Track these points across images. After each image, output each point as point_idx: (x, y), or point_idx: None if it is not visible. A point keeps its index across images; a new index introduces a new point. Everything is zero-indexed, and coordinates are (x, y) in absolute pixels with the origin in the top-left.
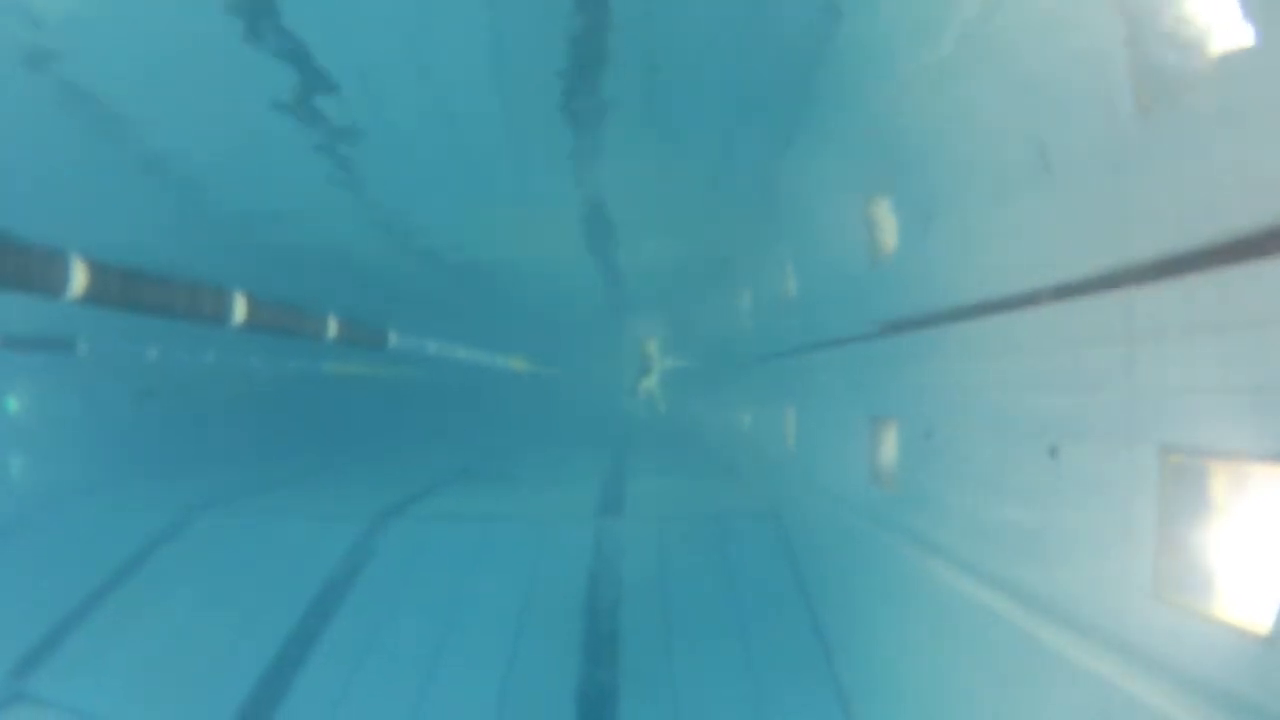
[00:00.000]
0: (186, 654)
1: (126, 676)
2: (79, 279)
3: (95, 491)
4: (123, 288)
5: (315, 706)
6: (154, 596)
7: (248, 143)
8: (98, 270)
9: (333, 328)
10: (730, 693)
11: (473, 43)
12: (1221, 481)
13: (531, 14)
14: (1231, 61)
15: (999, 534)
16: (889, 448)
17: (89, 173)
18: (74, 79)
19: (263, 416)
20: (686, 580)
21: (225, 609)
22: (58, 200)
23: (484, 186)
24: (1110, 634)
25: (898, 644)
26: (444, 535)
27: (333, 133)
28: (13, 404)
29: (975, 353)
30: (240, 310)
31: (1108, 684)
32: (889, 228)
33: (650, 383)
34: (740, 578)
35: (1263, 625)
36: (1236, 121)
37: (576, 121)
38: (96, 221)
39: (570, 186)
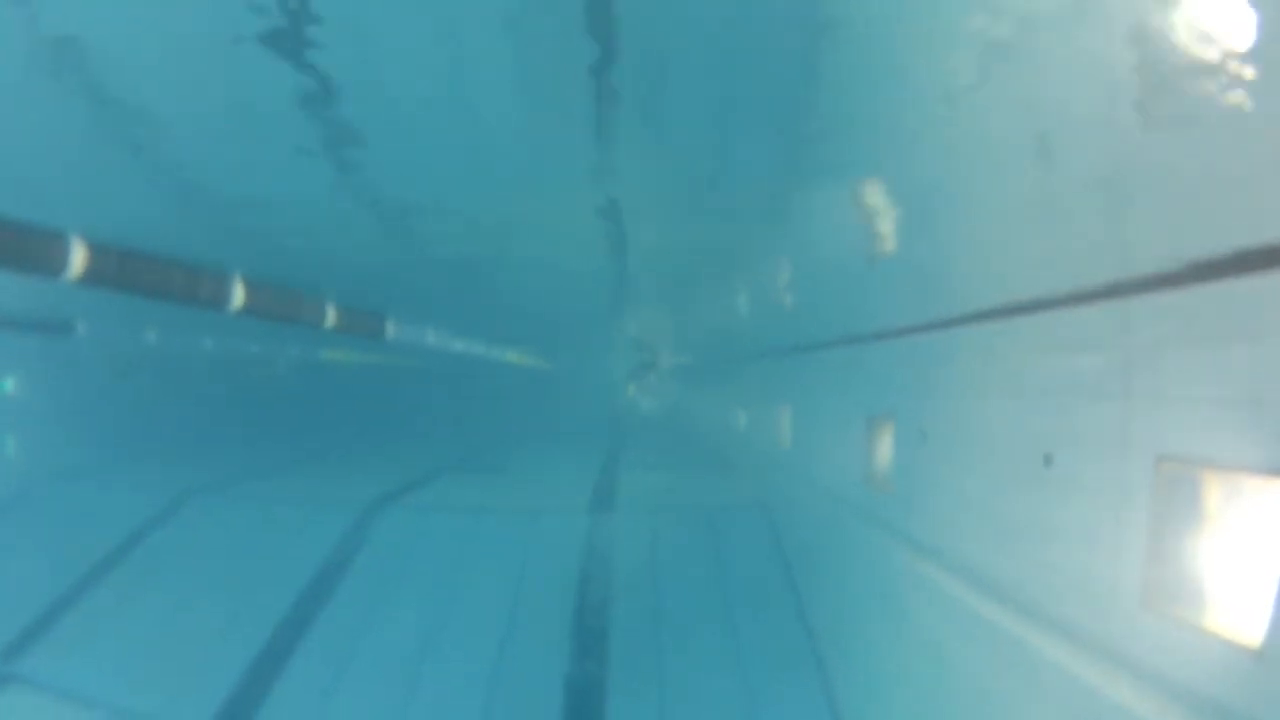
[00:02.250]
0: (178, 638)
1: (119, 660)
2: (78, 260)
3: (88, 475)
4: (121, 270)
5: (306, 693)
6: (146, 580)
7: (248, 125)
8: (97, 251)
9: (331, 316)
10: (719, 687)
11: (488, 28)
12: (1215, 492)
13: (545, 8)
14: (1236, 76)
15: (991, 538)
16: (884, 449)
17: (81, 155)
18: (75, 61)
19: (257, 402)
20: (677, 575)
21: (217, 594)
22: (50, 185)
23: (493, 179)
24: (1098, 641)
25: (886, 644)
26: (436, 525)
27: (338, 117)
28: (9, 385)
29: (973, 358)
30: (239, 295)
31: (1095, 690)
32: (889, 230)
33: (651, 379)
34: (732, 573)
35: (1254, 637)
36: (1239, 135)
37: (589, 116)
38: (87, 207)
39: (579, 182)
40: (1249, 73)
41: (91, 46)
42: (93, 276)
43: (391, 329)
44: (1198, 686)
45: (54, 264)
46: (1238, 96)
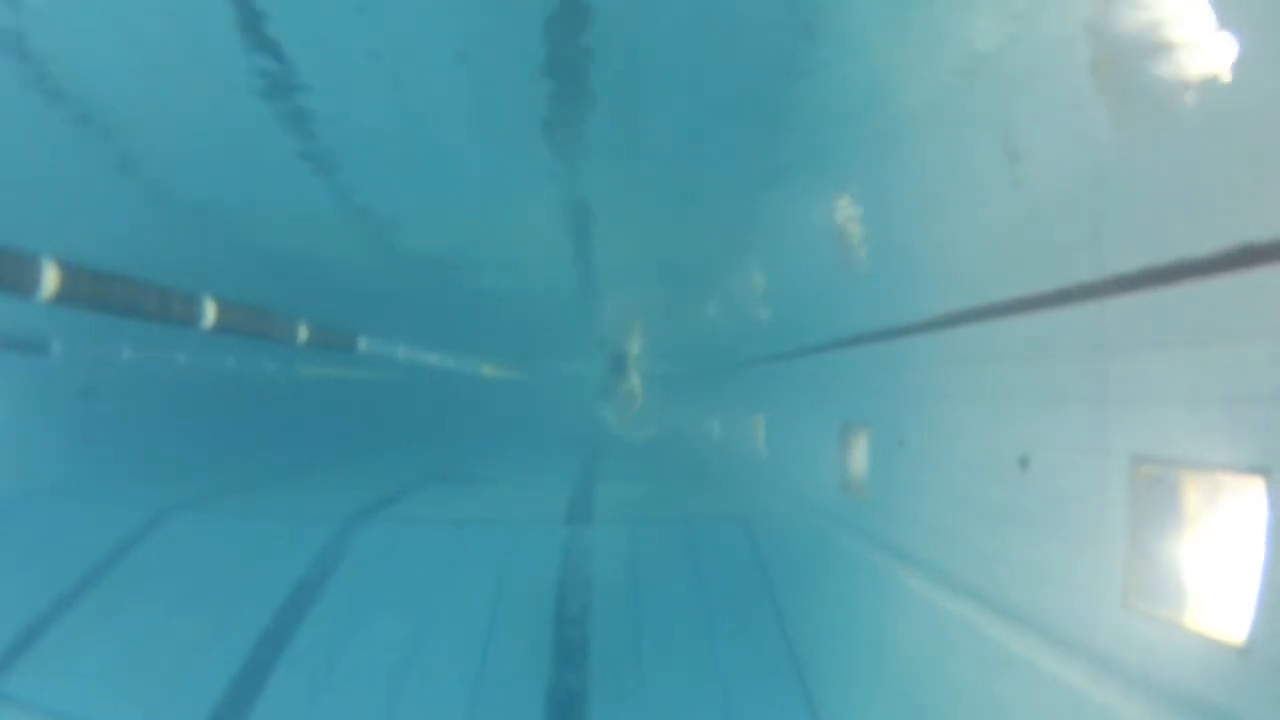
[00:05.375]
0: (159, 655)
1: (99, 677)
2: (50, 280)
3: (68, 492)
4: (93, 289)
5: (287, 708)
6: (127, 597)
7: (217, 138)
8: (69, 272)
9: (303, 332)
10: (699, 697)
11: (448, 40)
12: (1193, 492)
13: (507, 14)
14: (1210, 75)
15: (969, 542)
16: (860, 455)
17: (54, 162)
18: (46, 65)
19: (236, 418)
20: (656, 585)
21: (198, 610)
22: (26, 197)
23: (460, 188)
24: (1079, 643)
25: (867, 650)
26: (415, 538)
27: (307, 129)
28: None
29: (948, 362)
30: (210, 313)
31: (1077, 692)
32: (861, 238)
33: (631, 386)
34: (710, 583)
35: (1236, 635)
36: (1214, 136)
37: (555, 125)
38: (62, 207)
39: (547, 190)
40: (1219, 74)
41: (61, 53)
42: (65, 297)
43: (363, 344)
44: (1182, 685)
45: (26, 284)
46: (1209, 97)
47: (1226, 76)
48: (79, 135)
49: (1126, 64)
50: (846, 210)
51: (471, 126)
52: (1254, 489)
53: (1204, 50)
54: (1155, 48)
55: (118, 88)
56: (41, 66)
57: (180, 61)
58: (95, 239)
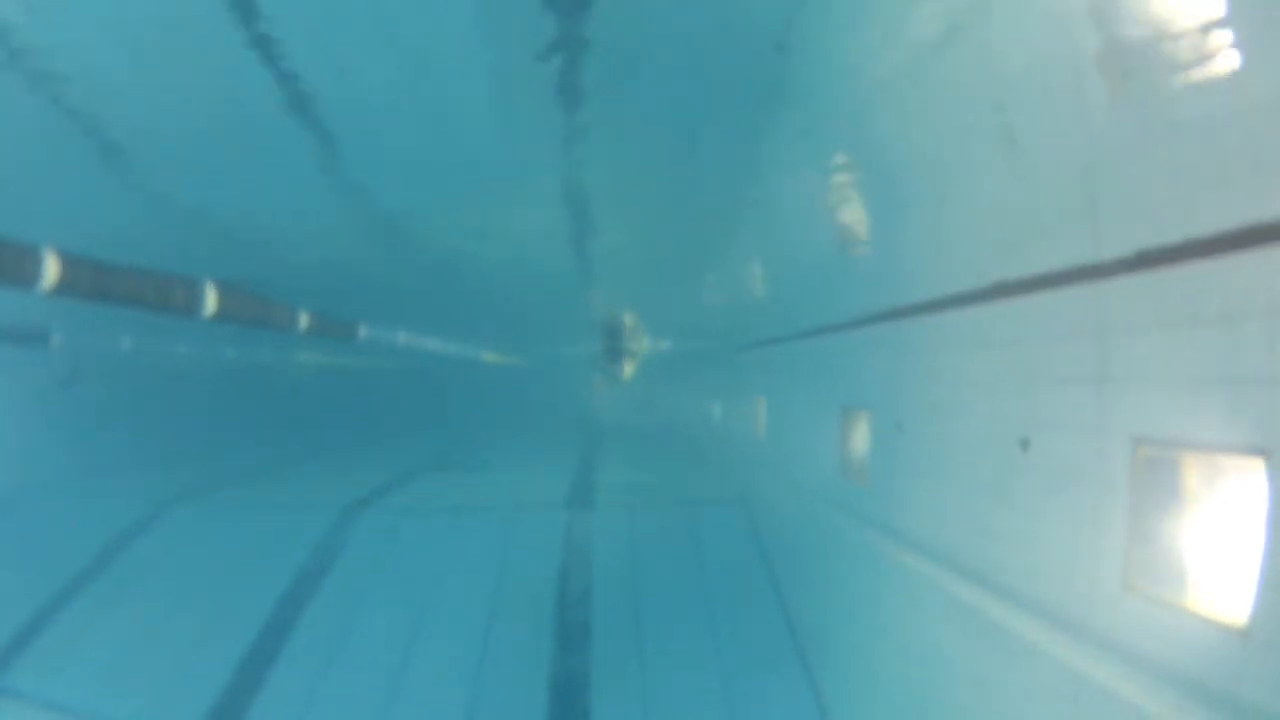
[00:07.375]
0: (161, 647)
1: (102, 670)
2: (51, 271)
3: (67, 485)
4: (94, 279)
5: (290, 697)
6: (128, 590)
7: (221, 126)
8: (69, 262)
9: (303, 320)
10: (700, 679)
11: (454, 23)
12: (1193, 474)
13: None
14: (1207, 58)
15: (969, 525)
16: (860, 439)
17: (52, 151)
18: (42, 60)
19: (234, 407)
20: (657, 570)
21: (199, 602)
22: (22, 193)
23: (461, 172)
24: (1080, 624)
25: (869, 633)
26: (415, 526)
27: (310, 115)
28: None
29: (947, 345)
30: (211, 302)
31: (1077, 673)
32: (859, 221)
33: (628, 366)
34: (711, 567)
35: (1237, 617)
36: (1210, 118)
37: (555, 108)
38: (60, 203)
39: (547, 173)
40: (1217, 55)
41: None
42: (66, 287)
43: (364, 331)
44: (1182, 667)
45: (27, 275)
46: (1208, 79)
47: (1225, 57)
48: (70, 127)
49: (1124, 44)
50: (844, 193)
51: (473, 111)
52: (1254, 470)
53: (1202, 32)
54: (1153, 28)
55: (108, 76)
56: (31, 57)
57: (174, 44)
58: (90, 237)
